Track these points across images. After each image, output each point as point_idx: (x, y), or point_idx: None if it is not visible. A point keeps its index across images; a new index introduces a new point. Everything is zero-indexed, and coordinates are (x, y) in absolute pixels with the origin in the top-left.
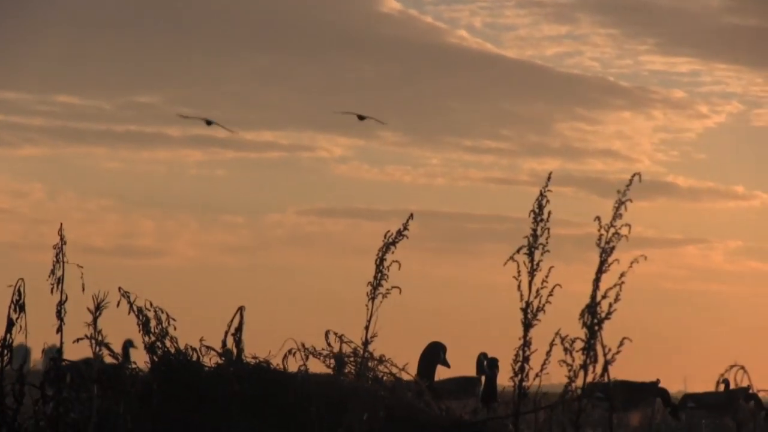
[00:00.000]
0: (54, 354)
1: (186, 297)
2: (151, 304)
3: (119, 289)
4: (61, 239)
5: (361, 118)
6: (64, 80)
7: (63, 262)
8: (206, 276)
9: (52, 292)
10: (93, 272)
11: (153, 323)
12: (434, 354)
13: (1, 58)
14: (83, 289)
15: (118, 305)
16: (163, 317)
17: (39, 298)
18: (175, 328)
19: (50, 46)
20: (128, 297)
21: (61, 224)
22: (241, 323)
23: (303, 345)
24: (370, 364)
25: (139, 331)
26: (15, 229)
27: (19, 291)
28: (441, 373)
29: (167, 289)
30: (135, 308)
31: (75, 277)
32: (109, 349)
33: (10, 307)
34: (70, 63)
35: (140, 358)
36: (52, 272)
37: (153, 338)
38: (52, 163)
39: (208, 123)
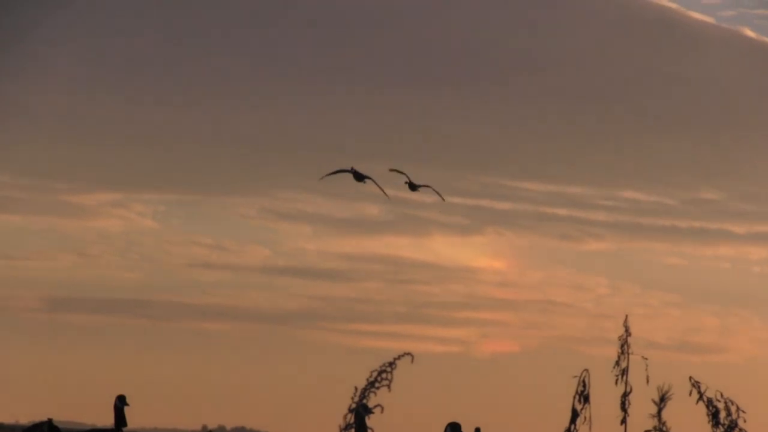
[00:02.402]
0: None
1: (748, 392)
2: (721, 395)
3: (690, 378)
4: (626, 331)
5: (358, 177)
6: (630, 176)
7: (628, 354)
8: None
9: (616, 383)
10: (655, 365)
11: (722, 414)
12: None
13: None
14: (647, 381)
15: (690, 393)
16: (733, 409)
17: (602, 390)
18: (745, 421)
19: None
20: (698, 387)
21: (626, 316)
22: None
23: None
24: None
25: (709, 422)
26: (578, 323)
27: (583, 382)
28: None
29: (729, 384)
30: (705, 398)
31: (639, 370)
32: None
33: (574, 397)
34: (636, 160)
35: None
36: (617, 364)
37: (722, 429)
38: (615, 258)
39: (413, 187)
